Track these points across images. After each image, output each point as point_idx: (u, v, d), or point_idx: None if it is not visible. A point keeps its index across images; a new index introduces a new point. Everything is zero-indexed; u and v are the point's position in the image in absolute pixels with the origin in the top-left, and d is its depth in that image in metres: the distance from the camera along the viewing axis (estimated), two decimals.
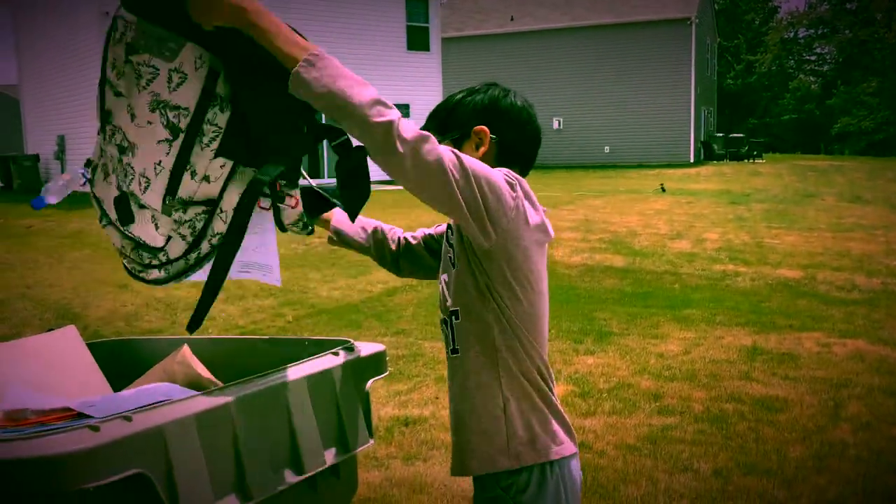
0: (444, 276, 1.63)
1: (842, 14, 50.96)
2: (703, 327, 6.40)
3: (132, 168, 1.45)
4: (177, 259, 1.49)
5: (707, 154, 31.56)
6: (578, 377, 5.10)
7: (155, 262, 1.51)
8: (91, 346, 2.07)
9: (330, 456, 1.57)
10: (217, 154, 1.42)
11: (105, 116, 1.47)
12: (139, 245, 1.52)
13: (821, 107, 50.02)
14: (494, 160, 1.62)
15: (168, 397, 1.53)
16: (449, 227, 1.63)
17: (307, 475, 1.48)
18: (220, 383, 1.77)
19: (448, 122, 1.68)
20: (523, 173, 1.65)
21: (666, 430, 4.18)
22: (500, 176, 1.48)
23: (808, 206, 15.01)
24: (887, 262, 9.19)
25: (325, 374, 1.59)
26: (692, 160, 29.90)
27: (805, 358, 5.49)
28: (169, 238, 1.48)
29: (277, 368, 1.54)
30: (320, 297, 7.73)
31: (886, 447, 3.92)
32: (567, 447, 1.58)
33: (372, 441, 1.71)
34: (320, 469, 1.52)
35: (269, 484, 1.40)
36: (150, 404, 1.32)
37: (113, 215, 1.53)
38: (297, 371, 1.54)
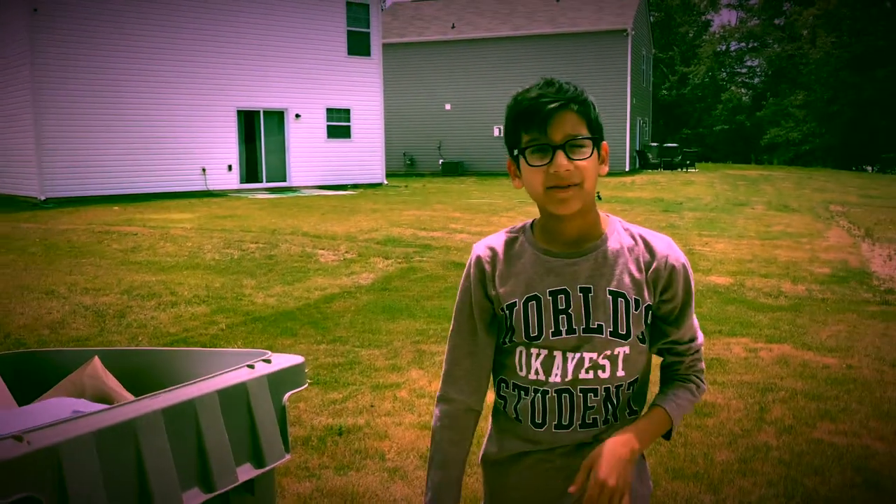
0: (594, 354, 1.54)
1: (770, 29, 52.75)
2: None
3: None
4: None
5: (642, 163, 32.21)
6: None
7: None
8: None
9: (243, 472, 1.52)
10: None
11: None
12: None
13: (751, 118, 51.59)
14: None
15: (75, 412, 1.46)
16: (636, 302, 1.54)
17: (218, 492, 1.43)
18: (130, 397, 1.70)
19: (598, 124, 1.54)
20: None
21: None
22: None
23: (739, 215, 15.44)
24: (812, 269, 9.50)
25: (239, 388, 1.54)
26: (627, 169, 30.47)
27: (733, 363, 5.62)
28: None
29: (189, 382, 1.48)
30: (255, 304, 7.60)
31: (807, 449, 4.04)
32: None
33: (288, 456, 1.67)
34: (232, 486, 1.47)
35: (175, 503, 1.35)
36: (48, 423, 1.26)
37: None
38: (209, 384, 1.49)
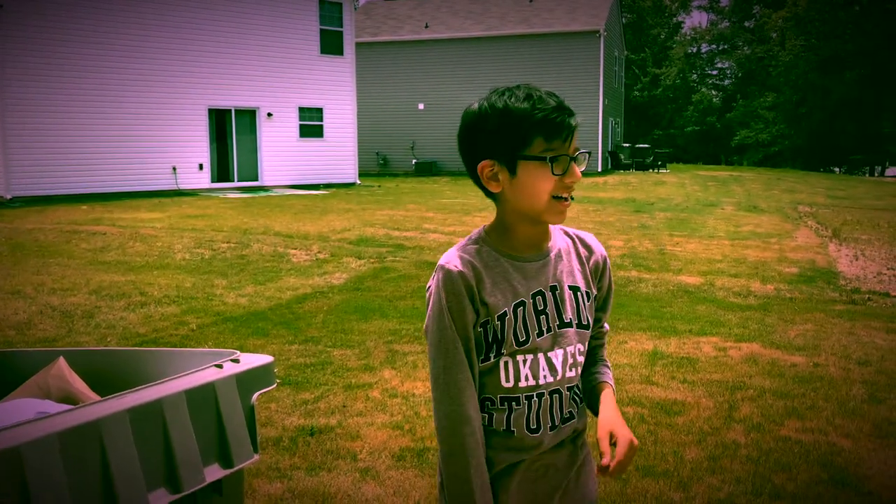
0: (571, 348, 1.62)
1: (740, 31, 53.45)
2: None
3: None
4: None
5: (614, 163, 32.45)
6: None
7: None
8: None
9: (210, 472, 1.50)
10: None
11: None
12: None
13: (721, 119, 52.20)
14: None
15: (39, 413, 1.44)
16: (587, 294, 1.65)
17: (184, 493, 1.42)
18: (96, 397, 1.68)
19: None
20: None
21: None
22: None
23: (709, 215, 15.61)
24: (780, 269, 9.63)
25: (207, 388, 1.52)
26: (600, 169, 30.68)
27: (703, 362, 5.68)
28: None
29: (155, 382, 1.47)
30: (226, 304, 7.53)
31: (775, 447, 4.09)
32: None
33: (257, 456, 1.66)
34: (199, 487, 1.46)
35: None
36: (11, 424, 1.24)
37: None
38: (176, 384, 1.47)
